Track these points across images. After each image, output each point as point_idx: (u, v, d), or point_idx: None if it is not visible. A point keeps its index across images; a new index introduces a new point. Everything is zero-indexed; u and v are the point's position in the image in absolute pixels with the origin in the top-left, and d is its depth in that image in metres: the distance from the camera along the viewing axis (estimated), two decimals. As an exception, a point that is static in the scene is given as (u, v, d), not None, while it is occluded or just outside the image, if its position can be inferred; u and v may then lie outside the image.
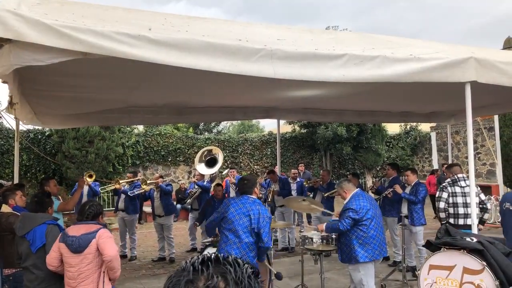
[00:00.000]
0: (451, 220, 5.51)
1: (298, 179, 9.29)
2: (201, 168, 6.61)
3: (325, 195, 7.68)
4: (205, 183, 7.95)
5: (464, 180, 5.65)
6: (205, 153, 6.78)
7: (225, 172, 11.20)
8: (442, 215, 5.67)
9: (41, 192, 4.89)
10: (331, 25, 29.99)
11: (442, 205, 5.65)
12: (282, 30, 4.91)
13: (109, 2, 4.06)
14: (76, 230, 3.72)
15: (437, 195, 5.79)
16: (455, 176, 5.74)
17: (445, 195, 5.66)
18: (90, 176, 8.49)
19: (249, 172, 18.17)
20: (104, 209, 13.77)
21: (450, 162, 10.08)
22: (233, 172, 9.92)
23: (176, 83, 5.51)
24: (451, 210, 5.62)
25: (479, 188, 5.77)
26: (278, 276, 4.35)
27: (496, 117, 11.47)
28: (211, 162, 6.71)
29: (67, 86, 5.13)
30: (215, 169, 7.01)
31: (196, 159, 6.70)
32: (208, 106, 7.58)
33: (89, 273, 3.62)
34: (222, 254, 0.99)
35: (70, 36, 3.18)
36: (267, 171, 9.39)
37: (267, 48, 3.96)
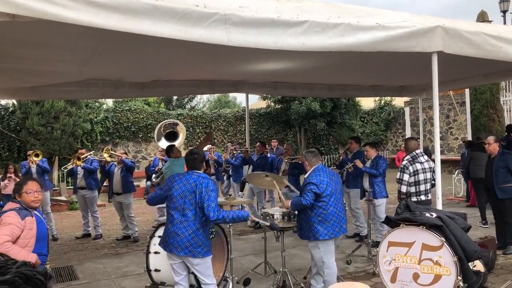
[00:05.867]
0: (414, 199, 5.22)
1: (269, 155, 9.14)
2: (162, 143, 6.29)
3: (290, 161, 7.72)
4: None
5: (423, 155, 5.45)
6: (162, 127, 6.45)
7: (205, 148, 10.96)
8: (402, 196, 5.35)
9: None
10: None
11: (404, 189, 5.30)
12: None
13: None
14: None
15: (398, 176, 5.41)
16: (414, 152, 5.45)
17: (406, 177, 5.32)
18: (37, 155, 8.11)
19: (222, 149, 17.91)
20: (69, 187, 13.16)
21: (421, 137, 10.00)
22: (213, 149, 9.89)
23: (133, 54, 5.17)
24: (412, 189, 5.33)
25: (432, 164, 5.42)
26: (272, 227, 4.37)
27: (467, 91, 11.43)
28: (170, 135, 6.38)
29: (8, 57, 4.74)
30: (176, 142, 6.68)
31: (155, 133, 6.36)
32: (171, 79, 7.24)
33: None
34: None
35: (-8, -5, 2.83)
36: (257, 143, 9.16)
37: (220, 13, 3.66)
